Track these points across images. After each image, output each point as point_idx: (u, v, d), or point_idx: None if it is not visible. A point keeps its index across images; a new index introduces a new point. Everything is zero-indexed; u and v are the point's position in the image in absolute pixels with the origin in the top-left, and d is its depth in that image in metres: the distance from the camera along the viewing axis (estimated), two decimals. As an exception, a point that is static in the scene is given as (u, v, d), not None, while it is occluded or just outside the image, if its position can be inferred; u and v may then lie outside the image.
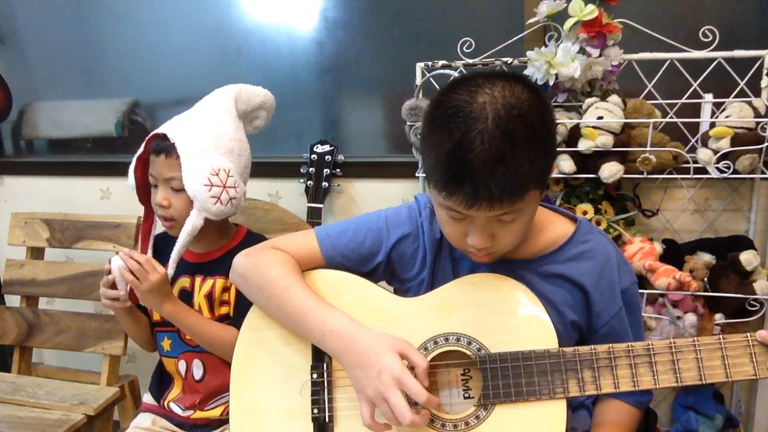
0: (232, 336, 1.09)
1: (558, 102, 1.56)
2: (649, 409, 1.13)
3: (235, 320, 1.30)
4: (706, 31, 1.47)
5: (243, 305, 1.14)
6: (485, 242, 0.88)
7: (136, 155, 1.31)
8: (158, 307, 1.25)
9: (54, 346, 1.79)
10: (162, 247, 1.36)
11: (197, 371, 1.35)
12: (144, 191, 1.34)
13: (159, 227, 1.37)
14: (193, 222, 1.26)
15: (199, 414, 1.34)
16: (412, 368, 0.88)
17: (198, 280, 1.34)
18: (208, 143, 1.27)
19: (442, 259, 1.03)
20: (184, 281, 1.35)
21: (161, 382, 1.42)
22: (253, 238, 1.40)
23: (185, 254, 1.36)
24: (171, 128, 1.26)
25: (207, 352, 1.33)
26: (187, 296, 1.33)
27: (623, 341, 0.91)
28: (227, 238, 1.38)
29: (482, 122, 0.79)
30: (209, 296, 1.32)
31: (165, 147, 1.25)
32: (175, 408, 1.37)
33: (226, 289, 1.32)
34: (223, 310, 1.33)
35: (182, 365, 1.36)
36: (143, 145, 1.29)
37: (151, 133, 1.28)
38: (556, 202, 1.56)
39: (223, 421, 1.34)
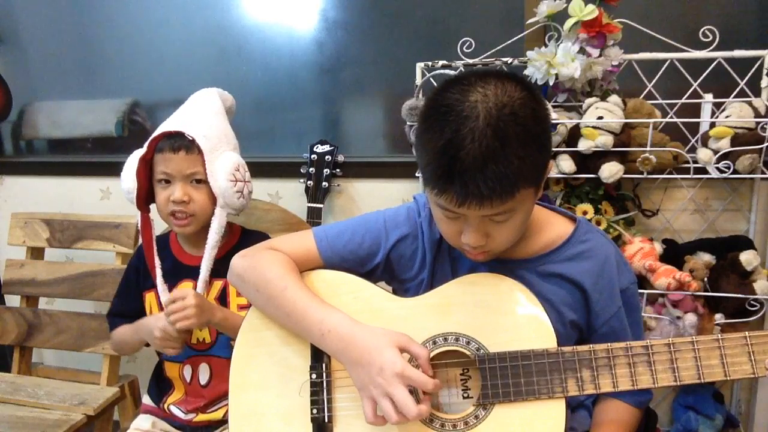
0: None
1: (558, 102, 1.56)
2: (649, 409, 1.13)
3: None
4: (706, 31, 1.46)
5: None
6: (479, 240, 0.88)
7: (139, 157, 1.28)
8: (208, 322, 1.23)
9: (54, 346, 1.79)
10: (158, 249, 1.34)
11: (203, 376, 1.33)
12: (144, 194, 1.32)
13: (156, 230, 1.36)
14: (219, 220, 1.27)
15: (201, 417, 1.33)
16: (411, 360, 0.88)
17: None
18: (222, 140, 1.29)
19: (442, 259, 1.03)
20: (186, 285, 1.32)
21: (160, 385, 1.40)
22: (251, 235, 1.39)
23: (184, 257, 1.35)
24: (182, 126, 1.25)
25: (215, 356, 1.32)
26: None
27: (622, 341, 0.90)
28: (226, 237, 1.35)
29: (473, 120, 0.79)
30: (221, 300, 1.30)
31: (184, 144, 1.24)
32: (176, 411, 1.35)
33: None
34: (241, 314, 1.30)
35: (187, 370, 1.34)
36: (146, 145, 1.27)
37: (157, 133, 1.26)
38: (556, 202, 1.56)
39: (224, 421, 1.33)
